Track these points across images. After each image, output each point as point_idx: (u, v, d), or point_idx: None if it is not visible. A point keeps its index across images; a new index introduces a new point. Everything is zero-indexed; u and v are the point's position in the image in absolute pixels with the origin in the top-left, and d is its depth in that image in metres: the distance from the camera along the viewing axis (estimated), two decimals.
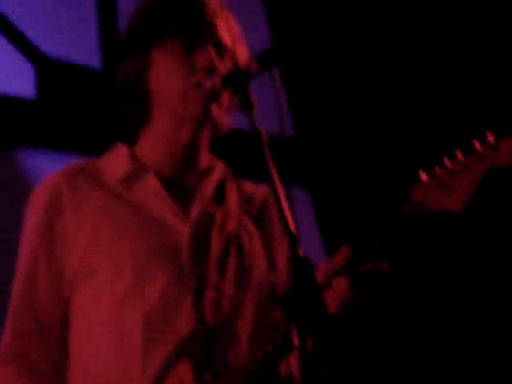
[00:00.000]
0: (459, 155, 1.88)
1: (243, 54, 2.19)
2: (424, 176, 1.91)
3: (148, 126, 2.19)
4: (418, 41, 4.95)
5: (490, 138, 1.84)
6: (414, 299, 4.69)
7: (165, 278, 2.05)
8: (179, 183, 2.18)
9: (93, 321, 2.08)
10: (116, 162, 2.18)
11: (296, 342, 1.71)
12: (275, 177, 1.82)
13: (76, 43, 4.50)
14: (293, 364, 2.03)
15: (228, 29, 2.18)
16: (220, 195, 2.22)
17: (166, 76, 2.14)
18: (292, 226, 1.75)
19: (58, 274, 2.10)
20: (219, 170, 2.24)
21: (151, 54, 2.13)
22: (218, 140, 2.36)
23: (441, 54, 4.98)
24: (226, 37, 2.16)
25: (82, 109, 4.22)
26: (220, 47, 2.12)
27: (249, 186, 2.31)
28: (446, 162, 1.88)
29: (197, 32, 2.10)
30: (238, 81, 1.93)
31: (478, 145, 1.83)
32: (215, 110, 2.10)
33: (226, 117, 2.18)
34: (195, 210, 2.14)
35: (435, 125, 4.72)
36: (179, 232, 2.09)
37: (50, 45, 4.43)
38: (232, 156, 2.41)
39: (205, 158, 2.22)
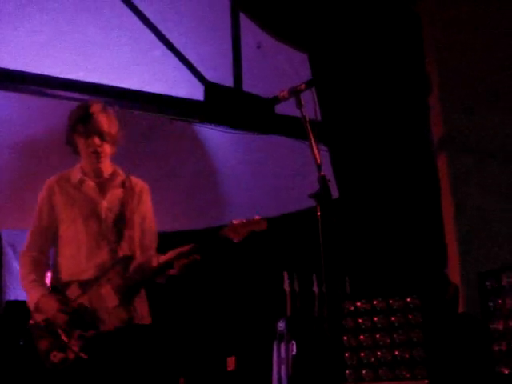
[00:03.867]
0: (244, 220, 3.42)
1: (116, 128, 3.57)
2: (233, 222, 3.44)
3: (81, 157, 3.63)
4: None
5: (257, 217, 3.45)
6: None
7: (95, 224, 3.50)
8: (99, 181, 3.60)
9: (66, 239, 3.51)
10: (75, 173, 3.61)
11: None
12: (312, 136, 3.12)
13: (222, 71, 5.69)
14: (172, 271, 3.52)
15: (107, 121, 3.52)
16: (123, 184, 3.62)
17: (80, 145, 3.55)
18: (318, 161, 3.07)
19: (52, 217, 3.53)
20: (121, 173, 3.67)
21: (74, 135, 3.55)
22: None
23: None
24: (104, 127, 3.50)
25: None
26: (102, 134, 3.49)
27: (134, 179, 3.71)
28: (241, 221, 3.41)
29: (89, 129, 3.48)
30: (296, 93, 3.27)
31: (252, 220, 3.43)
32: (98, 157, 3.53)
33: (111, 149, 3.58)
34: (109, 194, 3.59)
35: None
36: (101, 204, 3.57)
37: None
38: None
39: (108, 169, 3.63)
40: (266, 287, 7.20)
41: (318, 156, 3.09)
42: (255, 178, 8.02)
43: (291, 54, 6.34)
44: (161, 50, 5.76)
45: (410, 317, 5.32)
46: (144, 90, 5.67)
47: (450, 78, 6.23)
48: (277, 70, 6.48)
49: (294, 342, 5.99)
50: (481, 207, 5.94)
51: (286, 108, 5.20)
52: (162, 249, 3.66)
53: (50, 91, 5.27)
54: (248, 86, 5.88)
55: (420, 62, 6.33)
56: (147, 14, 5.83)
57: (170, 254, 3.45)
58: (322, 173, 3.04)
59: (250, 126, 5.81)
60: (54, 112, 7.18)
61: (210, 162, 8.46)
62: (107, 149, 3.50)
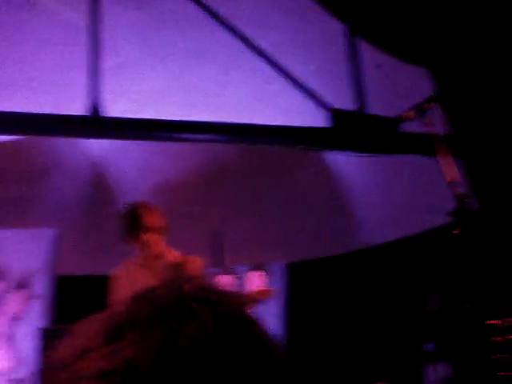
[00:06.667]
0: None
1: (159, 219, 4.25)
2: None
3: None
4: None
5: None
6: None
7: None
8: (146, 264, 4.39)
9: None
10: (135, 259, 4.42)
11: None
12: (441, 152, 3.07)
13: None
14: None
15: (150, 218, 4.19)
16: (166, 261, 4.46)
17: (133, 242, 4.29)
18: (449, 178, 3.00)
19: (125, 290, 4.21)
20: (166, 253, 4.44)
21: (129, 238, 4.28)
22: None
23: None
24: (149, 223, 4.18)
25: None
26: (147, 229, 4.17)
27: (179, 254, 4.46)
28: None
29: (138, 228, 4.18)
30: (423, 111, 3.22)
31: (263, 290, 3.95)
32: (145, 248, 4.30)
33: (159, 236, 4.30)
34: (153, 271, 4.39)
35: None
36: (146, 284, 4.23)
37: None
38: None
39: (157, 250, 4.33)
40: (407, 309, 7.09)
41: (450, 171, 3.06)
42: (385, 199, 7.92)
43: (411, 70, 6.26)
44: (280, 82, 5.85)
45: None
46: (268, 123, 5.75)
47: None
48: (397, 87, 6.41)
49: (443, 363, 5.85)
50: None
51: (408, 125, 5.14)
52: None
53: (176, 135, 5.45)
54: (370, 107, 5.84)
55: None
56: (263, 47, 5.86)
57: None
58: (461, 190, 3.00)
59: (376, 147, 5.76)
60: (182, 154, 7.53)
61: (338, 186, 8.47)
62: (153, 238, 4.17)
